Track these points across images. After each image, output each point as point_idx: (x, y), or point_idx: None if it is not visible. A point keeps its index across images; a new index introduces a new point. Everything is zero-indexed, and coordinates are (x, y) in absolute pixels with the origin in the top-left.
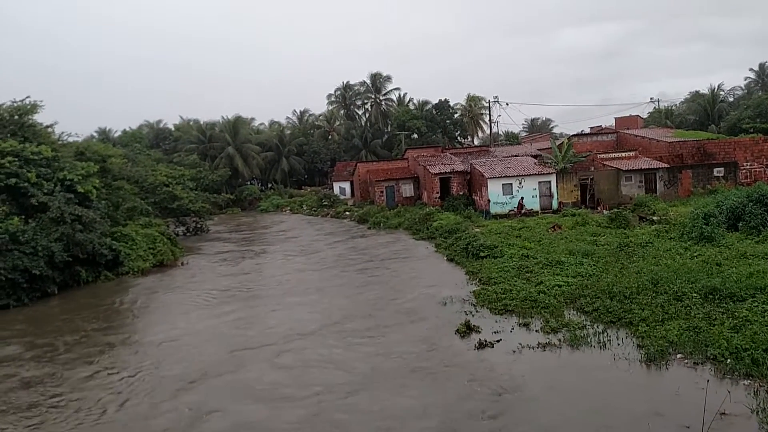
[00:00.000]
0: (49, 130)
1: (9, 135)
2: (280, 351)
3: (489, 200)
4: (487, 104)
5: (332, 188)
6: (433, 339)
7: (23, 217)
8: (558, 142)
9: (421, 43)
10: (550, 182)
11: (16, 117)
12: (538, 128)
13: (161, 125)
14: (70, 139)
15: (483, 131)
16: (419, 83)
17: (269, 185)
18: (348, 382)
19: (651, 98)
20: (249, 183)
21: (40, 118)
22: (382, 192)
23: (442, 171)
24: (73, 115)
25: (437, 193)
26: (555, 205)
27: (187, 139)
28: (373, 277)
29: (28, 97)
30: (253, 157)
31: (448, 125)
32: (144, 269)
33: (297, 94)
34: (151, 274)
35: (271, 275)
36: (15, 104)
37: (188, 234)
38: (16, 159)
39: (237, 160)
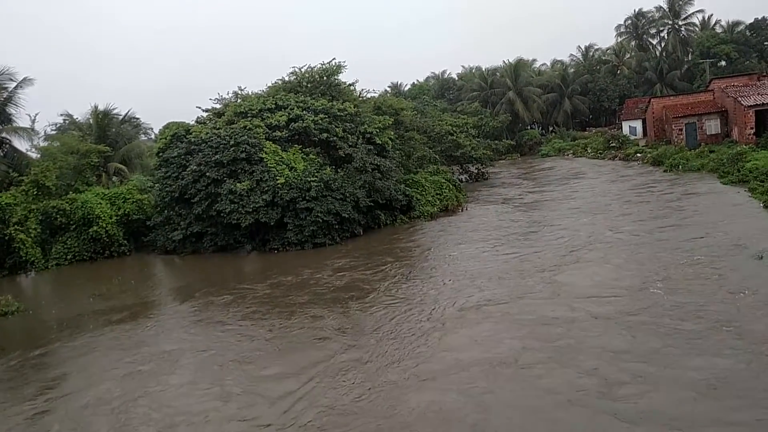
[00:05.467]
0: (352, 88)
1: (320, 94)
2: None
3: None
4: None
5: (621, 128)
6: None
7: (333, 167)
8: None
9: None
10: None
11: (325, 78)
12: None
13: (446, 75)
14: (368, 95)
15: None
16: (729, 2)
17: (550, 128)
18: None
19: None
20: (529, 127)
21: (343, 77)
22: (681, 130)
23: (758, 102)
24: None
25: (752, 128)
26: None
27: (470, 87)
28: (674, 226)
29: (334, 58)
30: (533, 100)
31: (766, 48)
32: (432, 213)
33: (582, 30)
34: (439, 218)
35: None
36: (324, 66)
37: (471, 180)
38: (327, 116)
39: (517, 105)
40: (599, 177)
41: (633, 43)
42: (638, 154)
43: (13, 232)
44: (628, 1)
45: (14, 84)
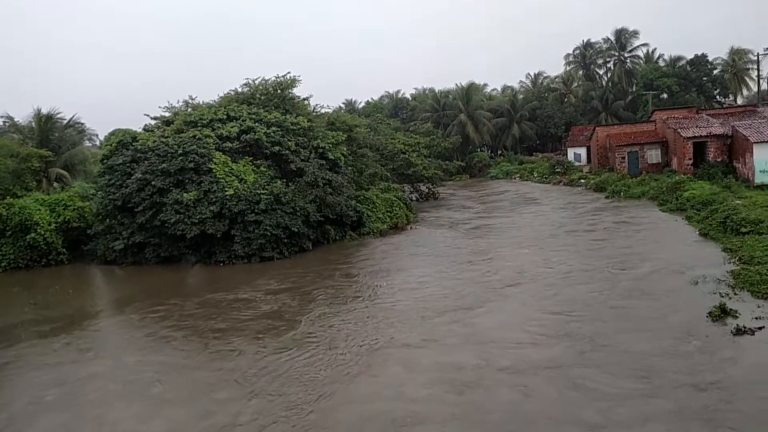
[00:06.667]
0: (306, 102)
1: (274, 107)
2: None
3: (754, 168)
4: (756, 57)
5: (566, 154)
6: (678, 320)
7: (284, 180)
8: None
9: None
10: None
11: (279, 91)
12: None
13: (400, 95)
14: (323, 111)
15: (749, 89)
16: (671, 38)
17: (499, 152)
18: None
19: None
20: (479, 150)
21: (297, 91)
22: (623, 158)
23: (696, 134)
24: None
25: (690, 159)
26: None
27: (423, 107)
28: (609, 247)
29: (288, 72)
30: (484, 124)
31: (704, 83)
32: (382, 230)
33: (531, 57)
34: (388, 236)
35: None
36: (278, 79)
37: (420, 199)
38: (279, 129)
39: (468, 127)
40: (548, 204)
41: (581, 72)
42: (582, 180)
43: None
44: (577, 31)
45: None
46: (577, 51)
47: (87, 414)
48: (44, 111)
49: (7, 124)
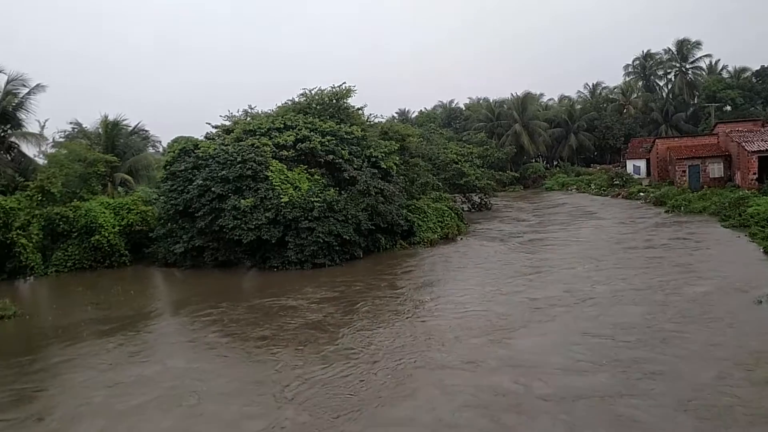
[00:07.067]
0: (360, 112)
1: (329, 116)
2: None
3: None
4: None
5: (625, 167)
6: (741, 344)
7: (337, 188)
8: None
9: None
10: None
11: (335, 101)
12: None
13: (453, 105)
14: (376, 120)
15: None
16: (735, 48)
17: (555, 163)
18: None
19: None
20: (534, 160)
21: (352, 101)
22: (684, 171)
23: (761, 148)
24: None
25: (754, 173)
26: None
27: (476, 117)
28: (667, 265)
29: (344, 82)
30: (539, 134)
31: None
32: (432, 240)
33: (590, 68)
34: (438, 246)
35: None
36: (334, 89)
37: (473, 210)
38: (334, 138)
39: (523, 137)
40: (606, 217)
41: (640, 83)
42: (641, 194)
43: (15, 236)
44: (637, 41)
45: (26, 90)
46: (637, 62)
47: (122, 423)
48: (111, 117)
49: (75, 129)
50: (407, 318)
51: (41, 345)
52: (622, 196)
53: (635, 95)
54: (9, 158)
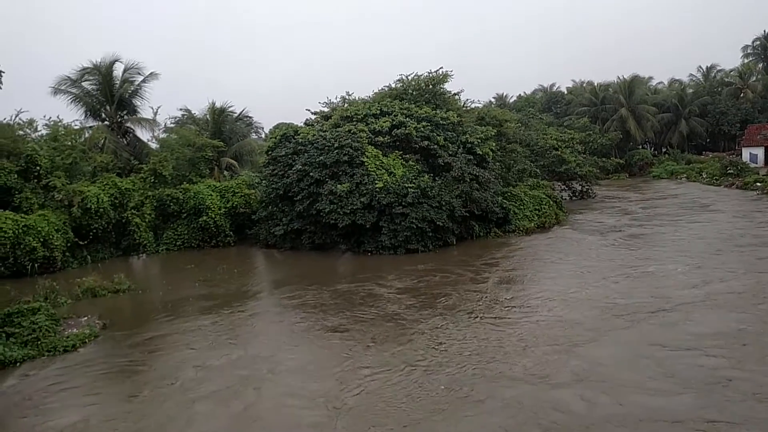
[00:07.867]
0: (456, 97)
1: (424, 102)
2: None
3: None
4: None
5: (740, 155)
6: None
7: (431, 174)
8: None
9: None
10: None
11: (431, 86)
12: None
13: (554, 89)
14: (472, 105)
15: None
16: None
17: (663, 150)
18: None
19: None
20: (641, 147)
21: (449, 86)
22: None
23: None
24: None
25: None
26: None
27: (579, 101)
28: None
29: (441, 67)
30: (647, 119)
31: None
32: (528, 229)
33: (703, 50)
34: (534, 235)
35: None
36: (430, 74)
37: (574, 198)
38: (429, 124)
39: (629, 123)
40: (721, 210)
41: (760, 65)
42: (758, 184)
43: (129, 215)
44: (756, 21)
45: (141, 78)
46: (757, 42)
47: (183, 412)
48: (218, 104)
49: (185, 116)
50: (482, 320)
51: (149, 319)
52: (737, 186)
53: (754, 78)
54: (125, 142)
